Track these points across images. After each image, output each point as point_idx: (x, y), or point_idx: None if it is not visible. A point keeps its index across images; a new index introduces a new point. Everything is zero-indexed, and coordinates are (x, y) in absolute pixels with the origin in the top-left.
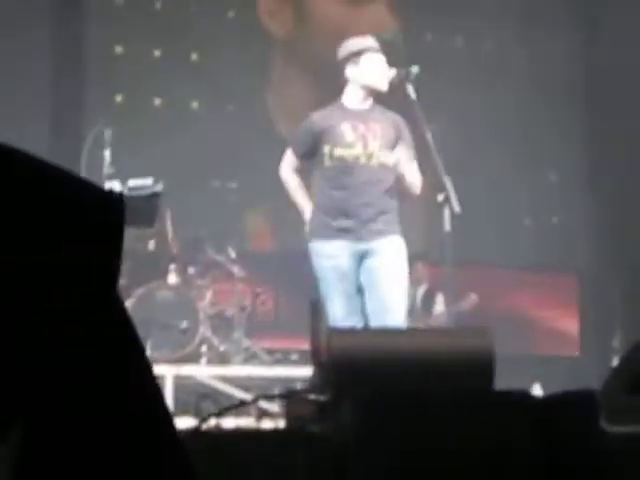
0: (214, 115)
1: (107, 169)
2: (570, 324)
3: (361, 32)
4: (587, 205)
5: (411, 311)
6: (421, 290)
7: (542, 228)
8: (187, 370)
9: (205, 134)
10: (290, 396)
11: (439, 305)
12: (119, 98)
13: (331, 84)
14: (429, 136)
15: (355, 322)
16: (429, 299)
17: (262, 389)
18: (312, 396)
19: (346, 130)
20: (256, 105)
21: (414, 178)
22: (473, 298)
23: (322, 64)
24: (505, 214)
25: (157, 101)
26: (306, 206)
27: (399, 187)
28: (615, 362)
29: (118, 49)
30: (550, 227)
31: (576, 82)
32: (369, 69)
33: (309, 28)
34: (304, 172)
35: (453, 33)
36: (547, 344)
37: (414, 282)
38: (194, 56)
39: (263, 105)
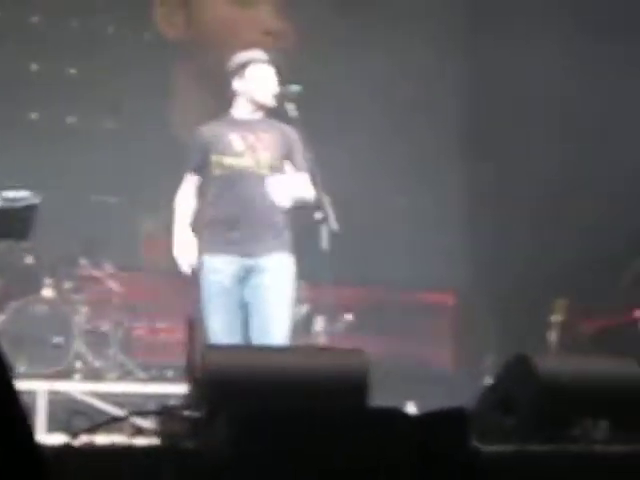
0: (92, 129)
1: None
2: (445, 342)
3: (248, 33)
4: (466, 225)
5: (295, 330)
6: (303, 309)
7: (422, 247)
8: (61, 386)
9: (83, 149)
10: (164, 412)
11: (318, 325)
12: None
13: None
14: (309, 155)
15: (236, 340)
16: (309, 318)
17: (137, 406)
18: (186, 412)
19: (235, 140)
20: (137, 119)
21: (305, 192)
22: (348, 318)
23: (216, 69)
24: (386, 232)
25: (33, 115)
26: (179, 243)
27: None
28: (487, 381)
29: None
30: (430, 246)
31: (459, 104)
32: (254, 81)
33: (200, 30)
34: None
35: (337, 53)
36: (423, 362)
37: (297, 301)
38: (72, 70)
39: (143, 119)
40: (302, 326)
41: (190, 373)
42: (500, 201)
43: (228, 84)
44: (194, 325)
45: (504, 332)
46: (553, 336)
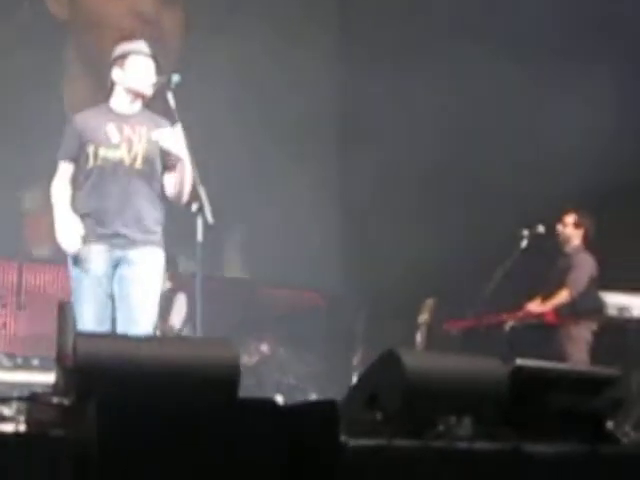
0: None
1: None
2: (312, 339)
3: (122, 18)
4: (337, 229)
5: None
6: (166, 285)
7: (295, 248)
8: None
9: None
10: (32, 399)
11: (181, 305)
12: None
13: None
14: (186, 147)
15: (105, 329)
16: (170, 299)
17: (1, 394)
18: (55, 400)
19: (111, 130)
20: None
21: (181, 184)
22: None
23: (96, 51)
24: (258, 232)
25: None
26: (62, 228)
27: (165, 190)
28: (354, 379)
29: None
30: (301, 248)
31: (329, 103)
32: (132, 72)
33: (81, 11)
34: None
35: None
36: (294, 356)
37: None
38: None
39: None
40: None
41: (60, 359)
42: (373, 204)
43: (108, 74)
44: (65, 310)
45: (371, 332)
46: (420, 335)
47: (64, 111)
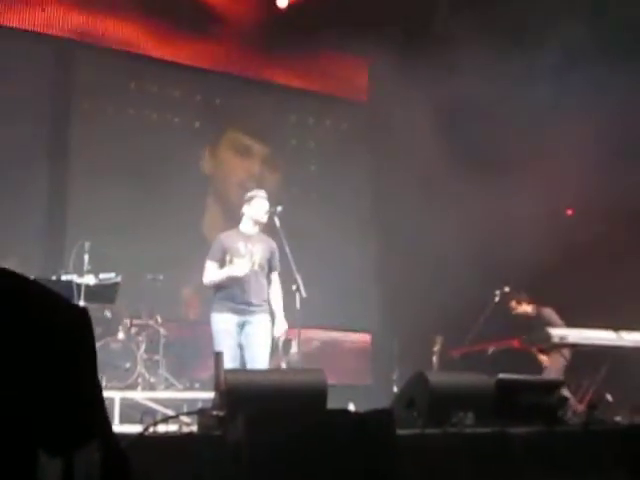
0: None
1: (86, 267)
2: (365, 363)
3: (242, 174)
4: (376, 282)
5: (274, 353)
6: (282, 339)
7: (350, 302)
8: (129, 394)
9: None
10: (200, 412)
11: (294, 348)
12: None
13: (234, 213)
14: (287, 249)
15: (237, 365)
16: (287, 345)
17: (177, 407)
18: (215, 412)
19: (240, 246)
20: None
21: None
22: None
23: (225, 196)
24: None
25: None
26: (230, 272)
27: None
28: (395, 389)
29: None
30: (353, 300)
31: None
32: (255, 208)
33: (218, 168)
34: None
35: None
36: (352, 377)
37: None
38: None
39: (184, 226)
40: (282, 350)
41: (217, 386)
42: (402, 271)
43: (239, 208)
44: (219, 356)
45: (404, 355)
46: (435, 359)
47: (203, 232)
